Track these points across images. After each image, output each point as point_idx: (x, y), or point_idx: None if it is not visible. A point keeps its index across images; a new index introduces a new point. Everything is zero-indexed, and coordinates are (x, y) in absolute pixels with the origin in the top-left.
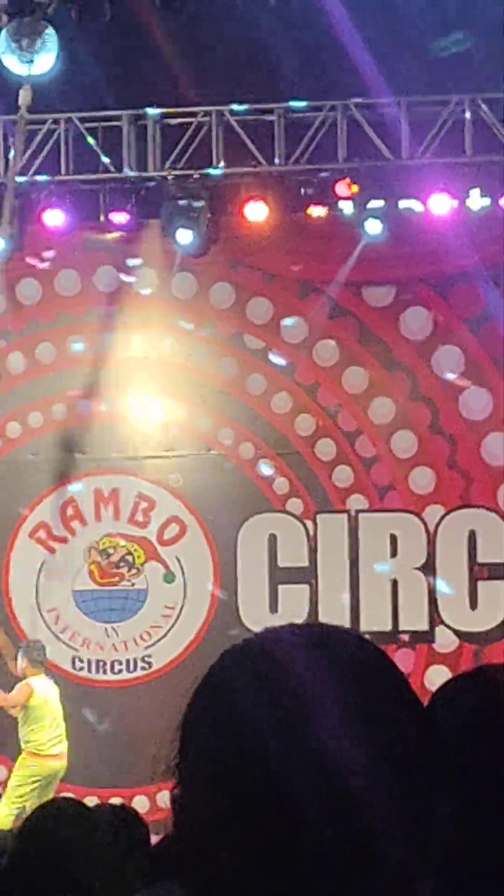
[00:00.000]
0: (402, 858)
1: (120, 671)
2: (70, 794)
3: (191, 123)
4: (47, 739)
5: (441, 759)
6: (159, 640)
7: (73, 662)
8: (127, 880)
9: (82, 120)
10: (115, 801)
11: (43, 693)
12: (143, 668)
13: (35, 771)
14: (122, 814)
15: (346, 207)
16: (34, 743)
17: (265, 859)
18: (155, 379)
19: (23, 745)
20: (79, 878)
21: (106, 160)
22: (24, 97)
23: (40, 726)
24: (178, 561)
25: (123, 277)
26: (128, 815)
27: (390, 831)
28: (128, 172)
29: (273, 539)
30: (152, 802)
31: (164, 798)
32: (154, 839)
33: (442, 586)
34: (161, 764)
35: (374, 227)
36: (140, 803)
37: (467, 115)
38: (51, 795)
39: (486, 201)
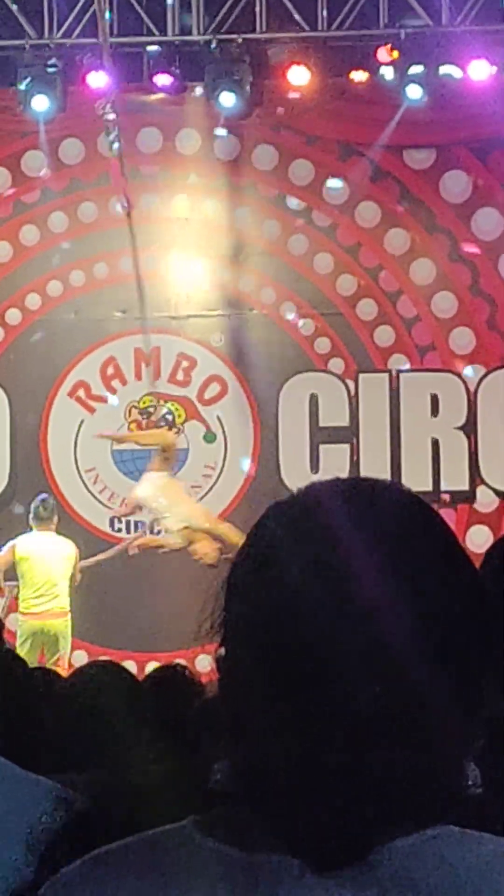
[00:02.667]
0: (452, 717)
1: (158, 532)
2: (108, 658)
3: None
4: (29, 597)
5: (490, 620)
6: (200, 499)
7: (112, 523)
8: (172, 742)
9: None
10: (153, 665)
11: (25, 549)
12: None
13: (21, 630)
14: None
15: (387, 73)
16: (20, 600)
17: (310, 722)
18: (197, 239)
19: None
20: (120, 739)
21: (149, 23)
22: None
23: (23, 583)
24: (219, 420)
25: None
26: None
27: (439, 692)
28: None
29: (314, 398)
30: (192, 666)
31: (203, 662)
32: None
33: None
34: (203, 626)
35: (414, 91)
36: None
37: None
38: (37, 654)
39: None
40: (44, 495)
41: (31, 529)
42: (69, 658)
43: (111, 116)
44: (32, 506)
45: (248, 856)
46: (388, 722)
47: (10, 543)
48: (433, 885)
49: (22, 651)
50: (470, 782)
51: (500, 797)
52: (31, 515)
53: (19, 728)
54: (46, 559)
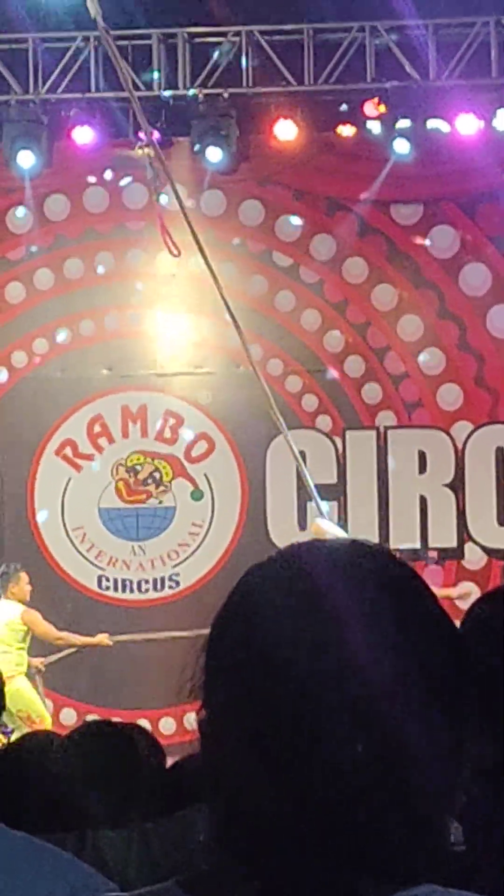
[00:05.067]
0: (435, 774)
1: (147, 590)
2: (95, 716)
3: (220, 43)
4: None
5: (472, 674)
6: (187, 558)
7: (100, 582)
8: (162, 803)
9: (113, 38)
10: (142, 722)
11: None
12: (170, 587)
13: None
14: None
15: (374, 127)
16: None
17: (294, 778)
18: (183, 296)
19: None
20: (115, 799)
21: (135, 78)
22: (92, 7)
23: None
24: (207, 478)
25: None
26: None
27: (422, 749)
28: (158, 91)
29: (302, 456)
30: (179, 724)
31: (191, 720)
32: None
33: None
34: (188, 683)
35: (401, 146)
36: (167, 725)
37: (493, 36)
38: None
39: None
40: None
41: None
42: (49, 715)
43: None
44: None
45: None
46: (370, 780)
47: None
48: None
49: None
50: (452, 840)
51: (482, 855)
52: None
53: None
54: None
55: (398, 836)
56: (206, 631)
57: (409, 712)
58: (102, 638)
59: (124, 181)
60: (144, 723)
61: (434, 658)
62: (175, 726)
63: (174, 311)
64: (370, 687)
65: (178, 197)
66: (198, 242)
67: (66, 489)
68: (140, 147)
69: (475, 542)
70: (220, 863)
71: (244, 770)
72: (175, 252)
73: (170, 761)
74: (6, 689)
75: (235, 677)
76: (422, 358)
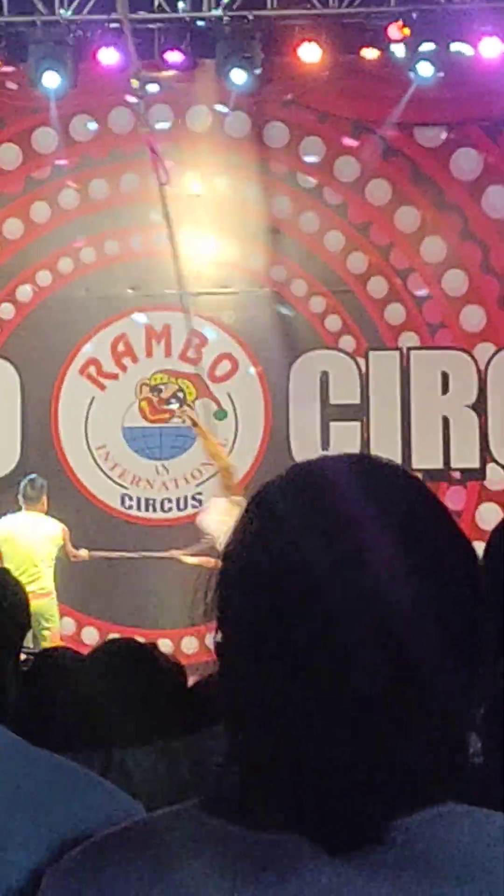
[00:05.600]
0: (456, 695)
1: (170, 509)
2: (117, 635)
3: None
4: None
5: (491, 597)
6: (210, 477)
7: (123, 500)
8: (187, 722)
9: None
10: (164, 642)
11: (6, 530)
12: (193, 507)
13: None
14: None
15: (398, 50)
16: None
17: (315, 701)
18: (208, 216)
19: None
20: (140, 718)
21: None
22: None
23: (4, 563)
24: (230, 397)
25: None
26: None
27: (443, 668)
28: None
29: (325, 376)
30: (201, 643)
31: (188, 644)
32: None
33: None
34: (196, 609)
35: (425, 69)
36: (189, 644)
37: None
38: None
39: None
40: (32, 475)
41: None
42: (59, 635)
43: (137, 91)
44: (21, 485)
45: (256, 835)
46: (393, 699)
47: None
48: (444, 863)
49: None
50: (471, 752)
51: (498, 766)
52: (19, 495)
53: (33, 705)
54: (29, 539)
55: (419, 754)
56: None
57: (430, 633)
58: (83, 553)
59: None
60: (166, 642)
61: (456, 578)
62: (197, 646)
63: (198, 232)
64: (391, 607)
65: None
66: None
67: (89, 408)
68: (135, 74)
69: (497, 463)
70: (238, 784)
71: (259, 691)
72: (164, 179)
73: (191, 681)
74: (49, 602)
75: (249, 597)
76: (445, 279)
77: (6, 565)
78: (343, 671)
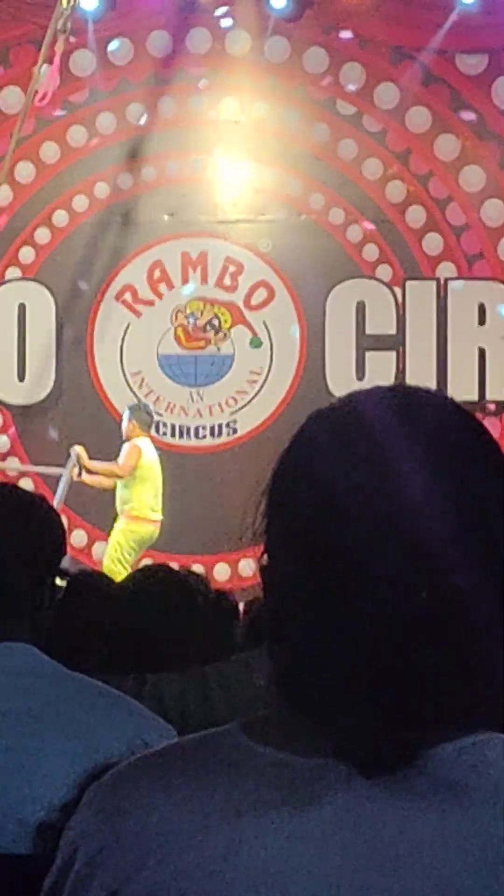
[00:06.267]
0: (495, 623)
1: (204, 437)
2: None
3: None
4: (149, 504)
5: None
6: (245, 405)
7: (157, 427)
8: (219, 648)
9: None
10: (197, 568)
11: (150, 456)
12: (227, 434)
13: (134, 535)
14: (206, 583)
15: None
16: (135, 506)
17: (354, 625)
18: (246, 142)
19: (123, 509)
20: (174, 643)
21: None
22: None
23: (145, 489)
24: (266, 326)
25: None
26: (206, 584)
27: (481, 595)
28: None
29: (361, 305)
30: (233, 571)
31: (246, 567)
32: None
33: None
34: (247, 531)
35: None
36: (221, 571)
37: None
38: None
39: None
40: (144, 402)
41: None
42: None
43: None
44: (135, 412)
45: (294, 759)
46: (431, 624)
47: (130, 446)
48: (479, 789)
49: (130, 558)
50: None
51: None
52: (136, 421)
53: (67, 629)
54: (157, 466)
55: (459, 680)
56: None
57: (469, 559)
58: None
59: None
60: (199, 568)
61: (496, 506)
62: (230, 573)
63: (236, 158)
64: (430, 534)
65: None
66: None
67: (124, 334)
68: None
69: None
70: (280, 708)
71: (305, 616)
72: (40, 100)
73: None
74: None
75: (295, 523)
76: (484, 209)
77: (150, 490)
78: (381, 594)
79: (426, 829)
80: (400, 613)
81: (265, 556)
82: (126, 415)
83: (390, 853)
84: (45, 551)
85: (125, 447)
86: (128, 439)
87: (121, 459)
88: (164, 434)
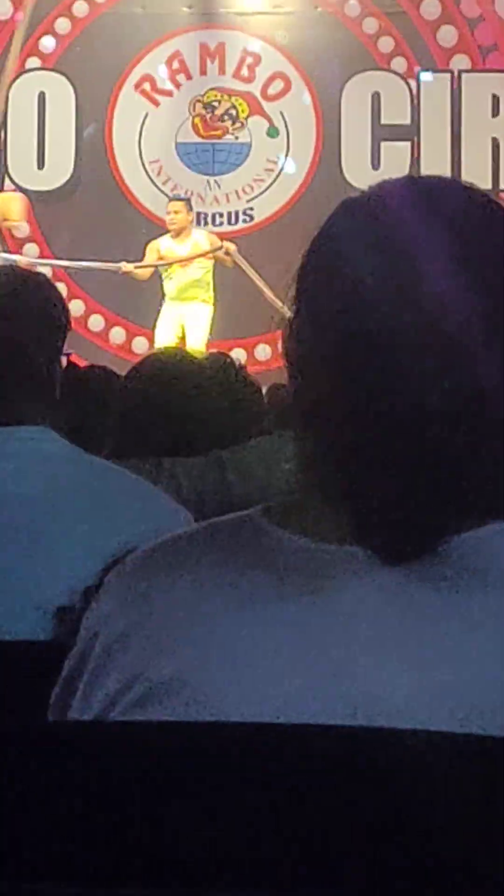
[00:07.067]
0: None
1: (221, 223)
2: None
3: None
4: None
5: None
6: (261, 193)
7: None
8: (240, 432)
9: None
10: (237, 350)
11: None
12: (244, 221)
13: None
14: (229, 365)
15: None
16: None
17: (380, 412)
18: None
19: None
20: (193, 426)
21: None
22: None
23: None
24: (282, 116)
25: None
26: (234, 367)
27: (500, 385)
28: None
29: (376, 96)
30: (250, 355)
31: (263, 351)
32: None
33: None
34: (275, 315)
35: None
36: (263, 351)
37: None
38: None
39: None
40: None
41: None
42: None
43: None
44: (188, 203)
45: (316, 545)
46: (456, 415)
47: (208, 233)
48: (500, 576)
49: None
50: None
51: None
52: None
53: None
54: None
55: (483, 470)
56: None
57: (494, 351)
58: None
59: None
60: (240, 351)
61: None
62: (271, 353)
63: None
64: (457, 325)
65: None
66: None
67: (143, 123)
68: None
69: None
70: (305, 495)
71: (332, 402)
72: None
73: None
74: None
75: (323, 310)
76: (498, 1)
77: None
78: (406, 383)
79: (449, 613)
80: (425, 402)
81: (294, 343)
82: (183, 205)
83: (412, 638)
84: (53, 330)
85: (201, 234)
86: (182, 229)
87: (207, 245)
88: None
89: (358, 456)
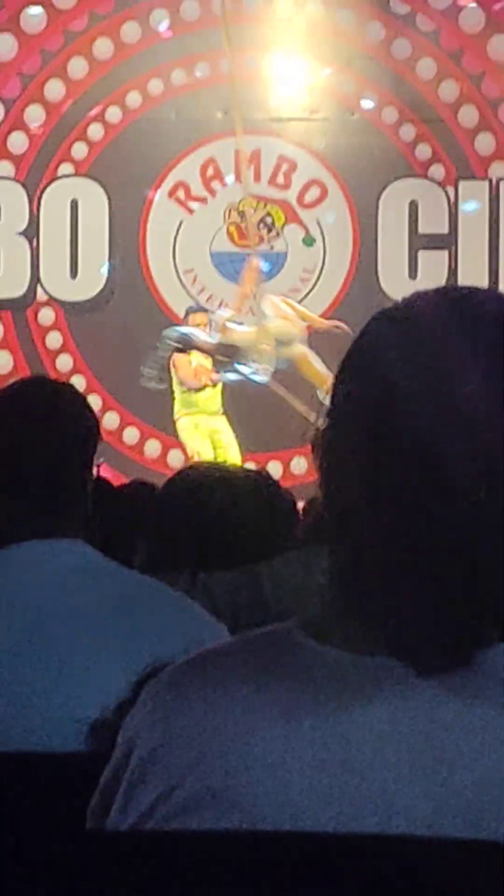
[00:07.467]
0: None
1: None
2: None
3: None
4: None
5: None
6: (297, 303)
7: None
8: (275, 546)
9: None
10: (273, 463)
11: None
12: None
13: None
14: (264, 479)
15: None
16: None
17: (414, 523)
18: (299, 41)
19: None
20: (228, 540)
21: None
22: None
23: None
24: (319, 224)
25: None
26: (270, 481)
27: None
28: None
29: (414, 205)
30: (286, 468)
31: (299, 465)
32: None
33: None
34: (309, 430)
35: None
36: (299, 465)
37: None
38: None
39: None
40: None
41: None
42: None
43: None
44: None
45: (351, 658)
46: (491, 527)
47: None
48: None
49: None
50: None
51: None
52: None
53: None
54: None
55: None
56: None
57: None
58: None
59: None
60: (276, 464)
61: None
62: (307, 466)
63: (290, 57)
64: (492, 435)
65: None
66: None
67: (177, 232)
68: None
69: None
70: (339, 606)
71: (367, 513)
72: None
73: (301, 503)
74: None
75: (358, 421)
76: None
77: None
78: (442, 494)
79: (482, 726)
80: (461, 514)
81: (327, 453)
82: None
83: (447, 751)
84: (84, 442)
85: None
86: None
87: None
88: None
89: (392, 568)
